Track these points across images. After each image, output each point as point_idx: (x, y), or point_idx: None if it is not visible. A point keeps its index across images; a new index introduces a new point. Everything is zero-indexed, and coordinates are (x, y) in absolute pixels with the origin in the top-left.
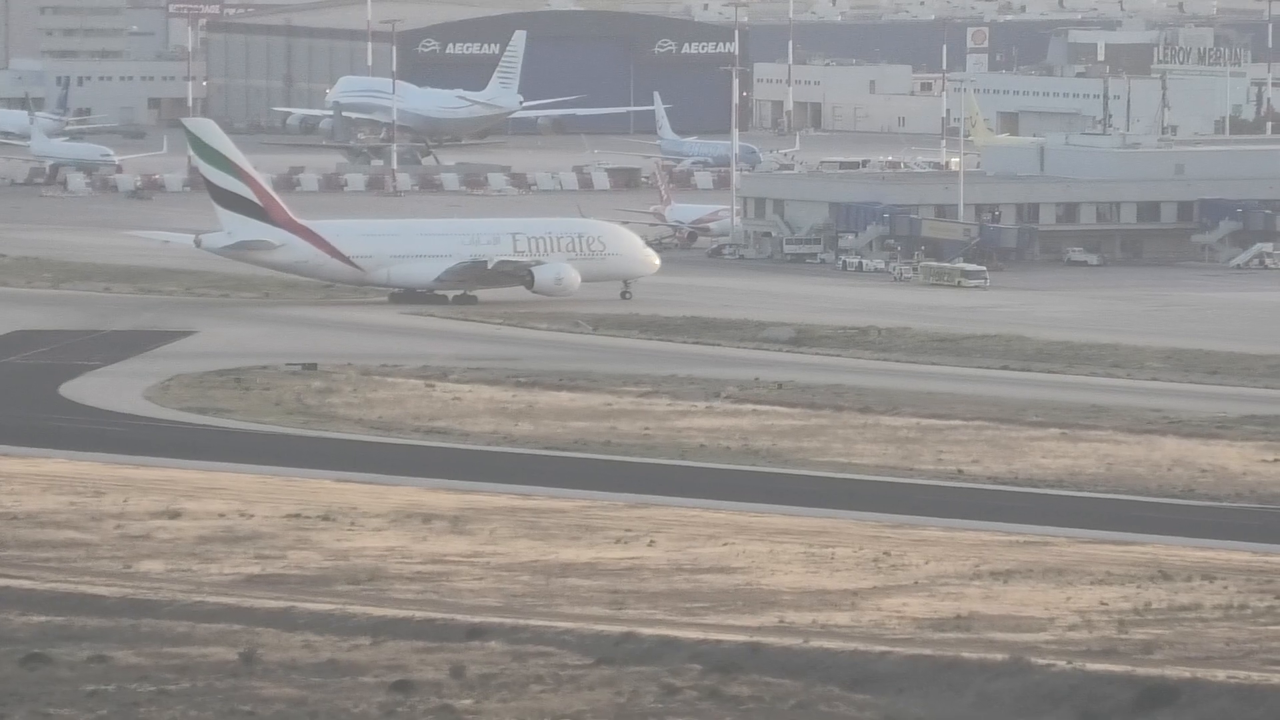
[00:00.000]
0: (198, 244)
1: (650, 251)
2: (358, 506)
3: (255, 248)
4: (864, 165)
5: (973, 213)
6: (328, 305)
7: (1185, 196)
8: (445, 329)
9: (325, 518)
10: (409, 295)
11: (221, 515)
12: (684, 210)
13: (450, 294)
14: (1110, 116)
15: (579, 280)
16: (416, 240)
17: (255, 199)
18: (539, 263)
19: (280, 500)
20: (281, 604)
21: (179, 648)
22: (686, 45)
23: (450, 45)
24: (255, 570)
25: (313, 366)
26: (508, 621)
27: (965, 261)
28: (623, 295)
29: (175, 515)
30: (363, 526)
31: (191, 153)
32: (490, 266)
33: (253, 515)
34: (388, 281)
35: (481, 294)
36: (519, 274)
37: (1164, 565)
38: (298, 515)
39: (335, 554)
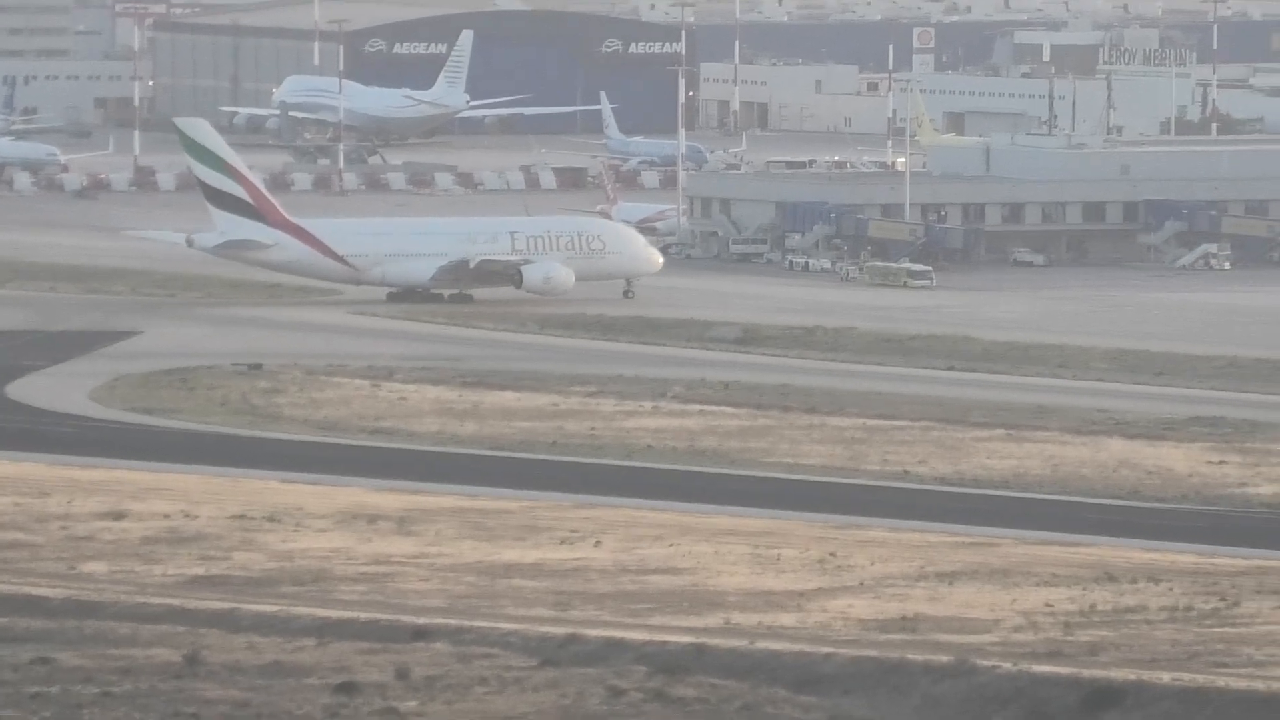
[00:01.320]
0: (190, 244)
1: (652, 250)
2: (303, 507)
3: (248, 247)
4: (810, 165)
5: (919, 213)
6: (274, 305)
7: (1131, 197)
8: (391, 329)
9: (270, 519)
10: (407, 294)
11: (166, 516)
12: (630, 210)
13: (446, 293)
14: (1056, 117)
15: (571, 279)
16: (411, 239)
17: (248, 198)
18: (528, 261)
19: (225, 501)
20: (226, 605)
21: (123, 649)
22: (633, 45)
23: (397, 45)
24: (200, 571)
25: (258, 367)
26: (452, 623)
27: (911, 262)
28: (625, 294)
29: (120, 516)
30: (308, 527)
31: (185, 153)
32: (471, 266)
33: (198, 516)
34: (382, 280)
35: (478, 293)
36: (508, 273)
37: (1109, 567)
38: (243, 516)
39: (280, 555)
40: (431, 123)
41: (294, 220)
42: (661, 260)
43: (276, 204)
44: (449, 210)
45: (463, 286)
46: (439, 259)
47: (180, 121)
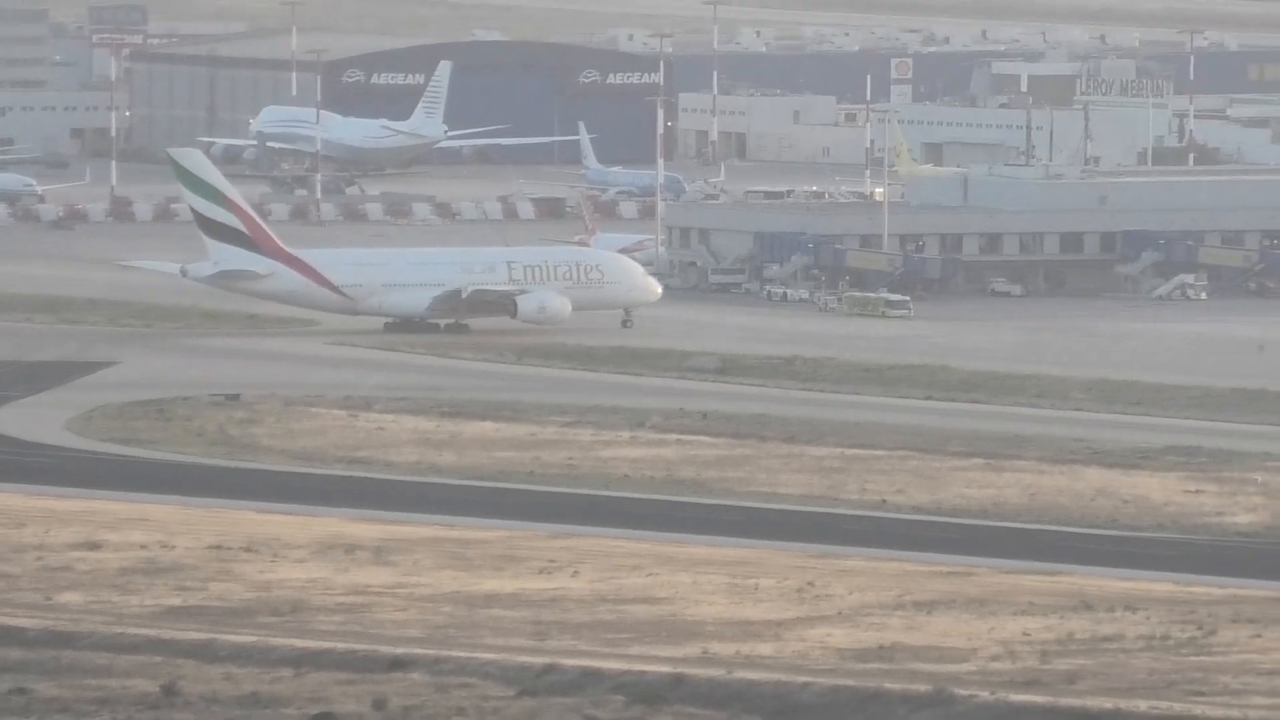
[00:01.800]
0: (184, 274)
1: (651, 280)
2: (280, 537)
3: (243, 277)
4: (789, 195)
5: (897, 243)
6: (251, 336)
7: (1108, 227)
8: (370, 359)
9: (247, 549)
10: (404, 325)
11: (143, 546)
12: (609, 240)
13: (443, 323)
14: (1033, 148)
15: (568, 309)
16: (408, 269)
17: (244, 228)
18: (523, 291)
19: (202, 531)
20: (203, 636)
21: (100, 680)
22: (612, 75)
23: (375, 75)
24: (176, 602)
25: (236, 397)
26: (430, 653)
27: (889, 292)
28: (624, 324)
29: (96, 547)
30: (285, 558)
31: (179, 183)
32: (464, 296)
33: (174, 547)
34: (379, 311)
35: (474, 323)
36: (502, 303)
37: (1087, 596)
38: (219, 546)
39: (257, 585)
40: (409, 153)
41: (290, 250)
42: (660, 290)
43: (272, 234)
44: (427, 240)
45: (458, 317)
46: (435, 289)
47: (174, 152)
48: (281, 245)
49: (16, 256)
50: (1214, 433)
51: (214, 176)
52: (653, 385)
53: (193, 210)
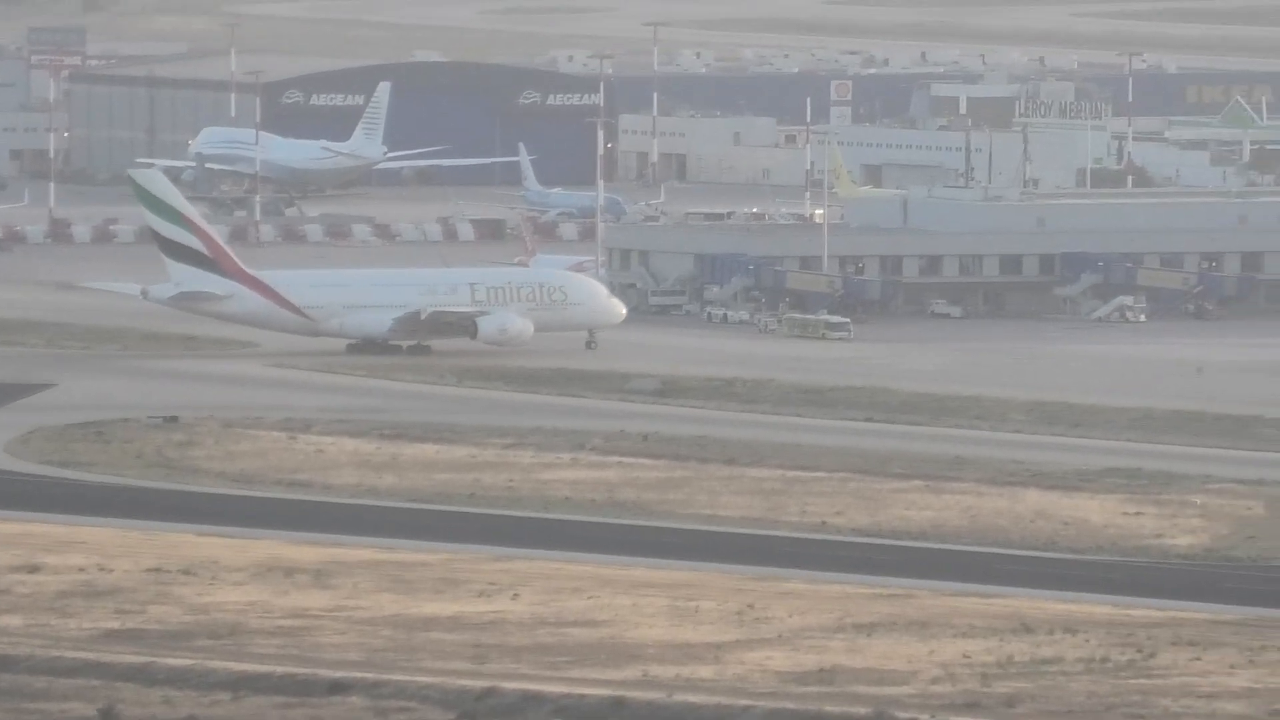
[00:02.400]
0: (144, 295)
1: (615, 301)
2: (219, 560)
3: (203, 299)
4: (729, 217)
5: (837, 265)
6: (190, 357)
7: (1047, 249)
8: (309, 381)
9: (186, 572)
10: (366, 346)
11: (81, 570)
12: (549, 261)
13: (404, 344)
14: (972, 169)
15: (529, 330)
16: (370, 290)
17: (204, 250)
18: (484, 313)
19: (141, 554)
20: (141, 659)
21: (38, 704)
22: (551, 96)
23: (314, 96)
24: (115, 625)
25: (174, 419)
26: (369, 676)
27: (830, 313)
28: (588, 345)
29: (34, 569)
30: (224, 580)
31: (140, 204)
32: (423, 318)
33: (113, 570)
34: (340, 332)
35: (437, 344)
36: (462, 324)
37: (1026, 618)
38: (158, 569)
39: (196, 608)
40: (349, 174)
41: (250, 272)
42: (624, 311)
43: (233, 255)
44: (367, 261)
45: (420, 338)
46: (396, 310)
47: (135, 173)
48: (242, 266)
49: None
50: (1154, 455)
51: (174, 198)
52: (593, 407)
53: (153, 231)
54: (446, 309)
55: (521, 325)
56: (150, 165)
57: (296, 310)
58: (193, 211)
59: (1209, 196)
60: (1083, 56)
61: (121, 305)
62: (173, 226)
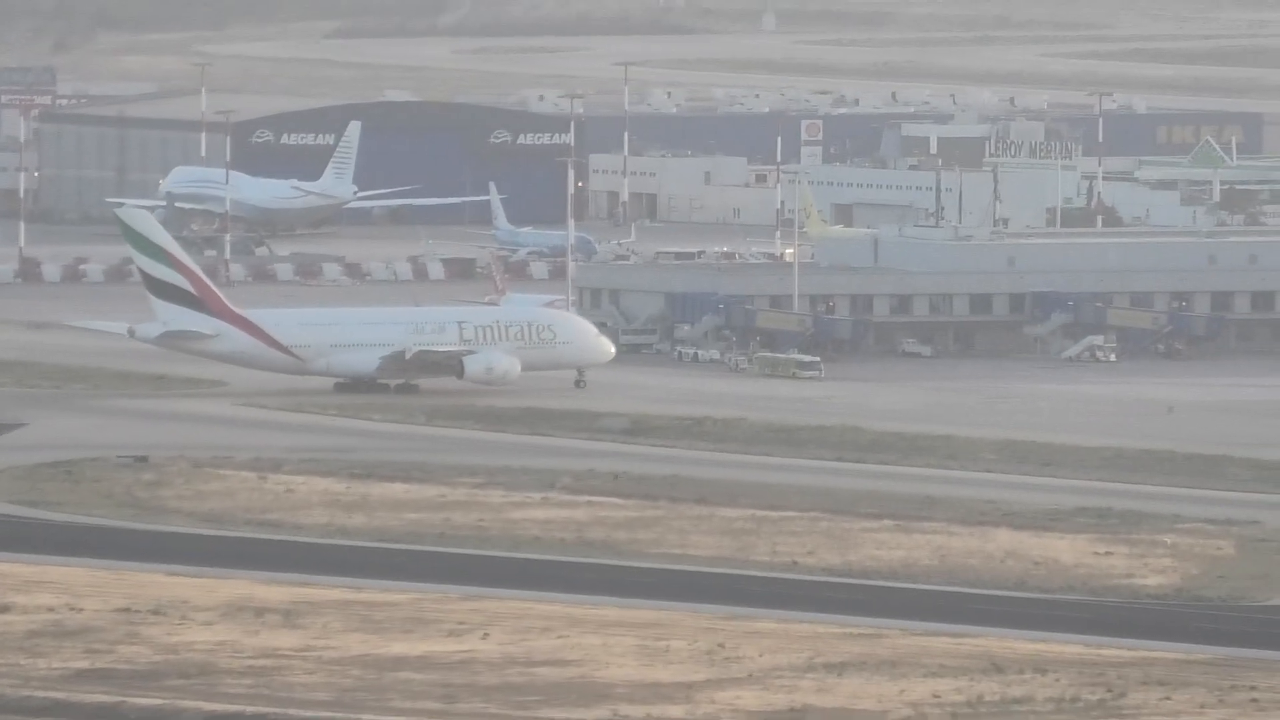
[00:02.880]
0: (131, 334)
1: (604, 340)
2: (189, 600)
3: (190, 338)
4: (699, 256)
5: (807, 304)
6: (161, 397)
7: (1017, 289)
8: (279, 420)
9: (156, 611)
10: (355, 385)
11: (51, 609)
12: (520, 300)
13: (392, 383)
14: (943, 209)
15: (517, 369)
16: (357, 329)
17: (191, 289)
18: (470, 352)
19: (110, 594)
20: (111, 699)
21: None
22: (522, 136)
23: (285, 135)
24: (85, 665)
25: (144, 459)
26: (339, 716)
27: (800, 352)
28: (576, 384)
29: (4, 609)
30: (193, 620)
31: (127, 244)
32: (408, 357)
33: (82, 609)
34: (328, 371)
35: (424, 383)
36: (449, 363)
37: (996, 657)
38: (128, 609)
39: (166, 648)
40: (319, 213)
41: (238, 311)
42: (613, 350)
43: (220, 294)
44: (338, 301)
45: (408, 377)
46: (384, 350)
47: (121, 212)
48: (230, 305)
49: None
50: (1124, 494)
51: (161, 237)
52: (563, 446)
53: (140, 270)
54: (431, 348)
55: (508, 364)
56: (121, 204)
57: (284, 349)
58: (179, 251)
59: (1179, 236)
60: (1053, 96)
61: (91, 344)
62: (159, 265)
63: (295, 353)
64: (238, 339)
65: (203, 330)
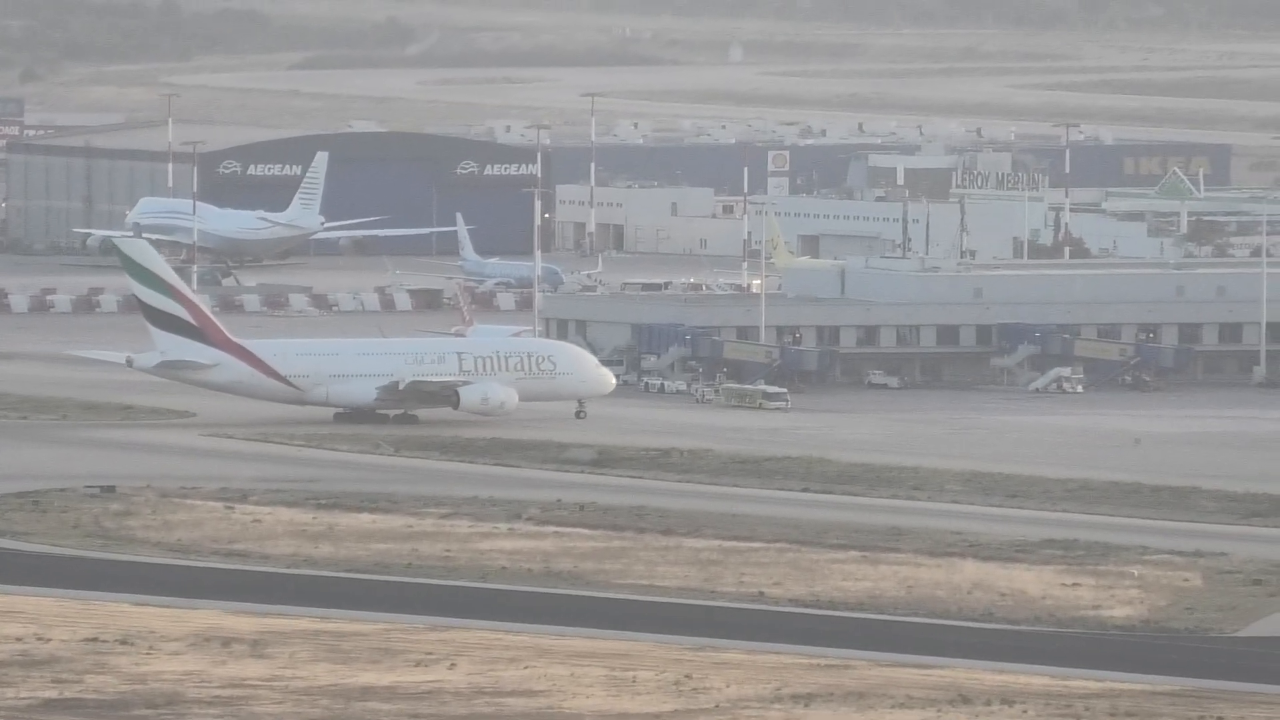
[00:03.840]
0: (129, 364)
1: (605, 371)
2: (156, 630)
3: (187, 367)
4: (666, 287)
5: (774, 335)
6: (128, 427)
7: (984, 320)
8: (246, 451)
9: (123, 641)
10: (355, 415)
11: (18, 639)
12: (487, 331)
13: (391, 413)
14: (910, 240)
15: (514, 399)
16: (355, 359)
17: (190, 319)
18: (466, 382)
19: (78, 624)
20: None
21: None
22: (489, 167)
23: (252, 166)
24: (52, 695)
25: (111, 489)
26: None
27: (767, 383)
28: (577, 415)
29: None
30: (161, 650)
31: (126, 273)
32: (401, 388)
33: (50, 639)
34: (326, 401)
35: (424, 413)
36: (444, 394)
37: (964, 689)
38: (95, 639)
39: (133, 678)
40: (286, 244)
41: (237, 340)
42: (614, 381)
43: (219, 324)
44: (305, 332)
45: (407, 407)
46: (382, 379)
47: (120, 242)
48: (229, 335)
49: None
50: (1091, 526)
51: (160, 267)
52: (530, 477)
53: (139, 300)
54: (425, 379)
55: (504, 395)
56: (87, 234)
57: (282, 379)
58: (179, 281)
59: (1146, 268)
60: (1020, 128)
61: (58, 375)
62: (159, 295)
63: (294, 382)
64: (236, 369)
65: (201, 360)
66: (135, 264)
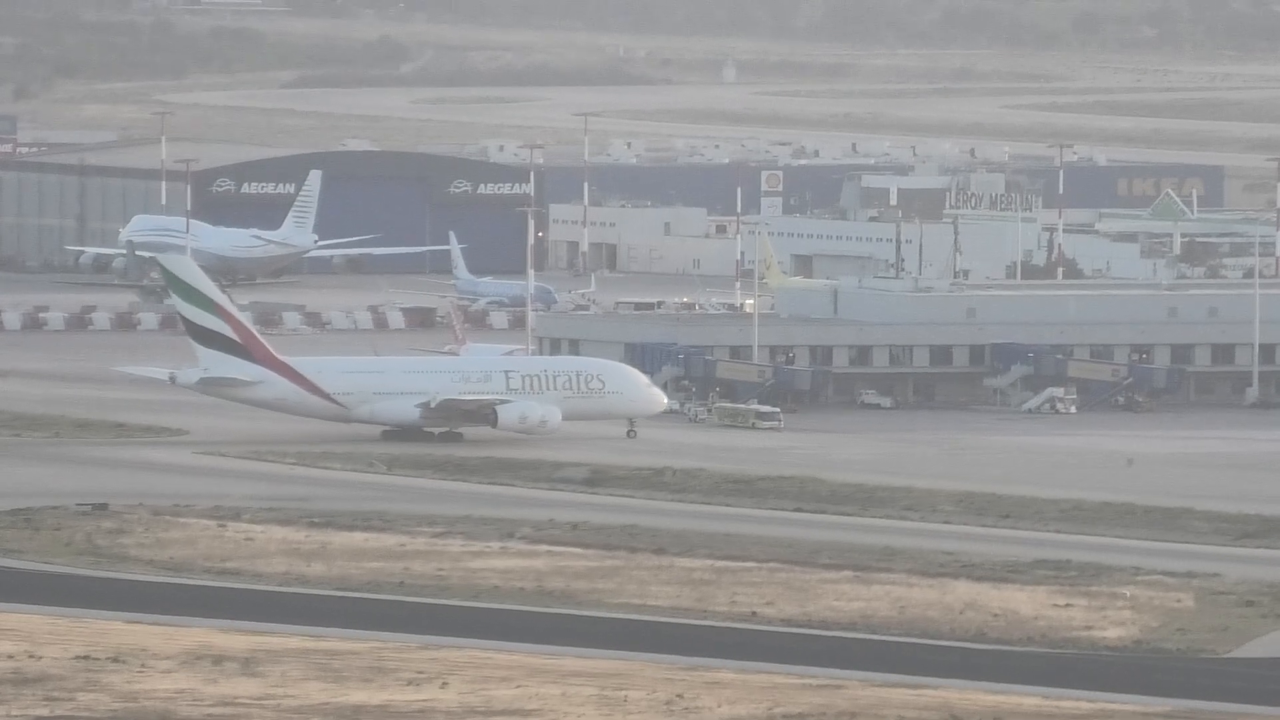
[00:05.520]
0: (172, 380)
1: (656, 391)
2: (148, 648)
3: (230, 384)
4: (659, 306)
5: (767, 354)
6: (121, 445)
7: (977, 340)
8: (239, 469)
9: (115, 659)
10: (402, 433)
11: (10, 657)
12: (479, 350)
13: (437, 431)
14: (903, 260)
15: (556, 418)
16: (400, 377)
17: (234, 335)
18: (505, 401)
19: (70, 642)
20: None
21: None
22: (482, 185)
23: (245, 184)
24: (44, 712)
25: (104, 506)
26: None
27: (760, 403)
28: (628, 434)
29: None
30: (153, 668)
31: (170, 290)
32: (432, 406)
33: (41, 657)
34: (371, 419)
35: (467, 432)
36: (481, 412)
37: (956, 709)
38: (87, 657)
39: (125, 696)
40: (279, 262)
41: (281, 358)
42: (665, 400)
43: (264, 342)
44: (297, 350)
45: (452, 425)
46: (424, 398)
47: (164, 259)
48: (273, 352)
49: None
50: (1083, 546)
51: (204, 283)
52: (522, 496)
53: (182, 317)
54: (458, 397)
55: (544, 413)
56: (80, 251)
57: (327, 397)
58: (223, 297)
59: (1139, 289)
60: (1013, 148)
61: (50, 393)
62: (202, 312)
63: (338, 400)
64: (280, 386)
65: (244, 377)
66: (179, 280)
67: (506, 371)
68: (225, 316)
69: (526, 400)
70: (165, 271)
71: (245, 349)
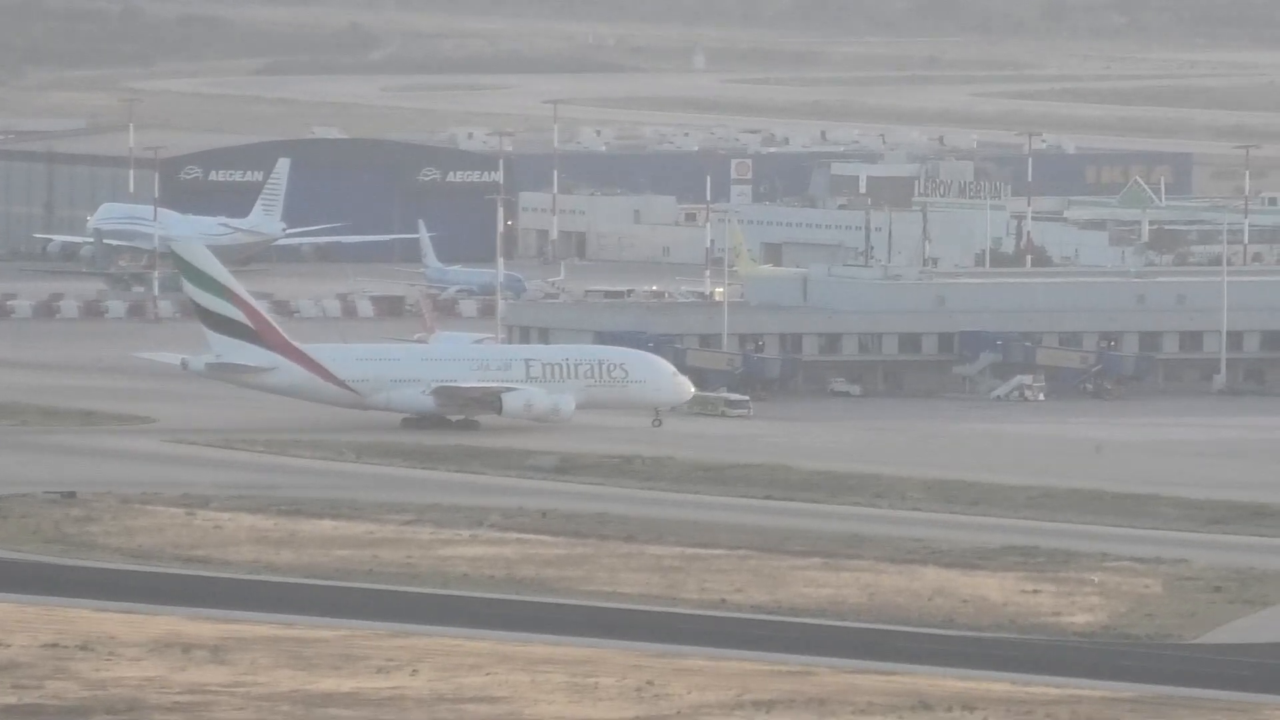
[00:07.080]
0: (184, 366)
1: (682, 380)
2: (116, 636)
3: (242, 370)
4: (629, 294)
5: (736, 343)
6: (88, 433)
7: (946, 328)
8: (207, 457)
9: (83, 647)
10: (421, 421)
11: None
12: (451, 338)
13: (454, 419)
14: (872, 248)
15: (569, 405)
16: (416, 365)
17: (247, 322)
18: (510, 388)
19: (38, 630)
20: None
21: None
22: (451, 173)
23: (213, 172)
24: (12, 701)
25: (72, 495)
26: None
27: (729, 391)
28: (654, 424)
29: None
30: (121, 656)
31: (182, 277)
32: (427, 393)
33: (9, 645)
34: (386, 406)
35: (483, 420)
36: (486, 400)
37: (925, 695)
38: (55, 645)
39: (93, 684)
40: (247, 250)
41: (295, 344)
42: (692, 390)
43: (277, 328)
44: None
45: (468, 413)
46: (434, 385)
47: (176, 245)
48: (287, 339)
49: None
50: (1052, 533)
51: (216, 269)
52: (492, 484)
53: (194, 303)
54: (455, 384)
55: (553, 401)
56: (47, 240)
57: (341, 384)
58: (235, 283)
59: (1108, 276)
60: (982, 136)
61: (14, 380)
62: (214, 299)
63: (353, 387)
64: (294, 373)
65: (256, 363)
66: (190, 266)
67: (527, 360)
68: (238, 302)
69: (531, 388)
70: (176, 257)
71: (258, 335)
